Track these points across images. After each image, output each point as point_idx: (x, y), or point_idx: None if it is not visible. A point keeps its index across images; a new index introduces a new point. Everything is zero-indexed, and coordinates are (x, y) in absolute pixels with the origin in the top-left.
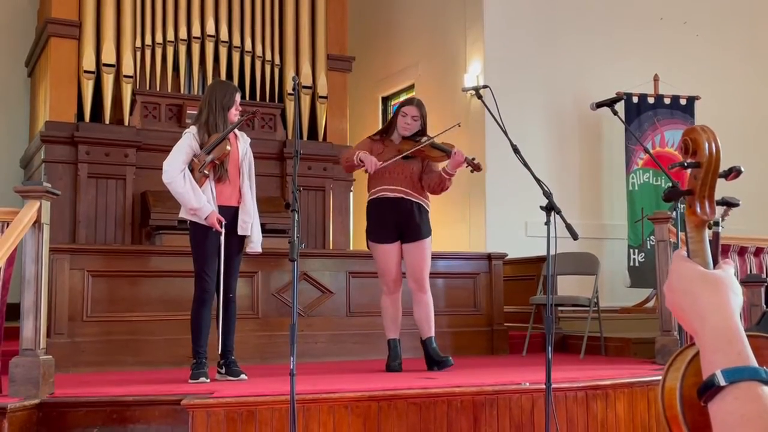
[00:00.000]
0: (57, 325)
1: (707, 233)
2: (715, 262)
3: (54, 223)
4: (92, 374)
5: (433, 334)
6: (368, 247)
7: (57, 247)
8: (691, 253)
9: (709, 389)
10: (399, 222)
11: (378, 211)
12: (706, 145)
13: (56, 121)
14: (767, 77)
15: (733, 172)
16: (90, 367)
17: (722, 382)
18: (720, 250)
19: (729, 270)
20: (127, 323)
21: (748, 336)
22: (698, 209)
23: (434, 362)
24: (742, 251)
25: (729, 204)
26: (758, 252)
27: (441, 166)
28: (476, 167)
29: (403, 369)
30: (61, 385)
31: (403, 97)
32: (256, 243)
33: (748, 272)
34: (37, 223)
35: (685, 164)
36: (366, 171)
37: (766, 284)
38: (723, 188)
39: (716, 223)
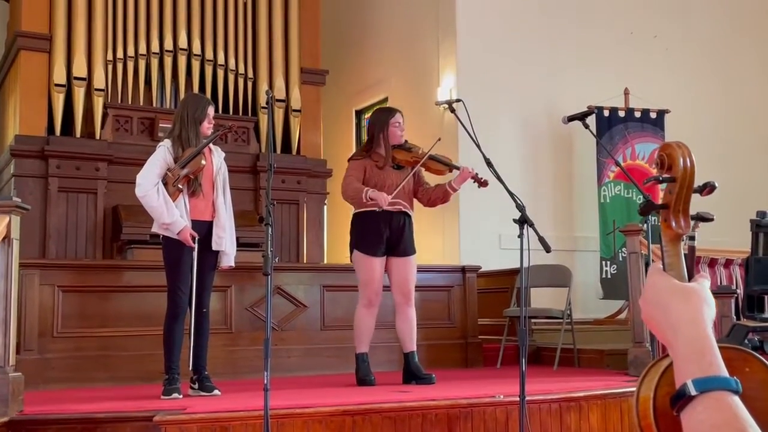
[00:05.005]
0: (27, 341)
1: (683, 247)
2: (691, 276)
3: (24, 237)
4: (63, 391)
5: (415, 348)
6: (353, 259)
7: (27, 263)
8: (667, 266)
9: (681, 399)
10: (391, 235)
11: (373, 223)
12: (681, 160)
13: (26, 135)
14: (735, 91)
15: (708, 187)
16: (60, 383)
17: (693, 392)
18: (695, 264)
19: (704, 283)
20: (99, 339)
21: (720, 347)
22: (673, 223)
23: (414, 377)
24: (712, 263)
25: (703, 219)
26: (728, 264)
27: (441, 179)
28: (483, 183)
29: (377, 383)
30: (30, 403)
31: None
32: (230, 257)
33: (719, 284)
34: (6, 239)
35: (660, 179)
36: (378, 209)
37: (736, 295)
38: (694, 202)
39: (692, 237)
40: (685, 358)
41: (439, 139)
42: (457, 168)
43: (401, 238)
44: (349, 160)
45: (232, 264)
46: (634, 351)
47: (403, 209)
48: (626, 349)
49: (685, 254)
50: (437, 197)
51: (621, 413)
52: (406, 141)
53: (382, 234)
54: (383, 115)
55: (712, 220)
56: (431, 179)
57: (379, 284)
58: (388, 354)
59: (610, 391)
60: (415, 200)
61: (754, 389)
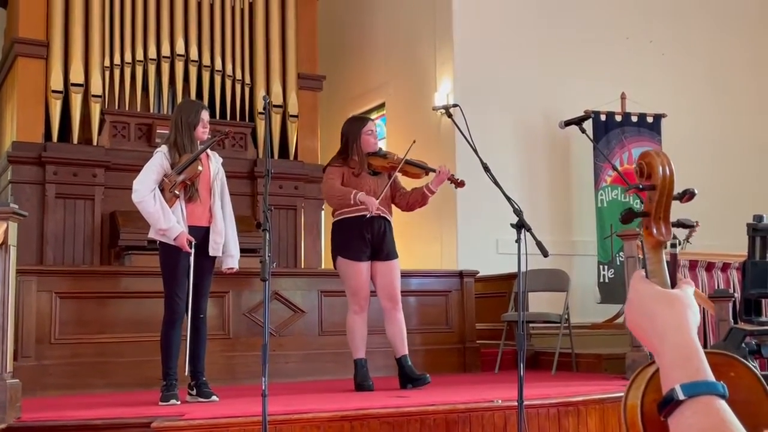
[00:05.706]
0: (24, 347)
1: (665, 254)
2: (674, 283)
3: (21, 244)
4: (60, 397)
5: (407, 351)
6: (337, 265)
7: (24, 269)
8: (650, 273)
9: (668, 404)
10: (373, 240)
11: (355, 229)
12: (660, 168)
13: (23, 142)
14: (730, 95)
15: (687, 194)
16: (58, 390)
17: (681, 396)
18: (678, 271)
19: (687, 290)
20: (96, 345)
21: (707, 353)
22: (654, 231)
23: (410, 380)
24: (709, 267)
25: (684, 225)
26: (725, 267)
27: (419, 182)
28: (460, 184)
29: (375, 388)
30: (28, 409)
31: (374, 116)
32: (234, 258)
33: (716, 287)
34: (3, 245)
35: (641, 187)
36: (367, 214)
37: (733, 299)
38: (690, 206)
39: (674, 245)
40: (672, 363)
41: (414, 141)
42: (433, 170)
43: (383, 242)
44: (326, 167)
45: (236, 266)
46: (631, 355)
47: (383, 215)
48: (624, 353)
49: (667, 261)
50: (415, 201)
51: (619, 418)
52: (380, 148)
53: (364, 238)
54: (355, 124)
55: (692, 226)
56: (408, 184)
57: (367, 289)
58: (385, 359)
59: (608, 395)
60: (393, 206)
61: (740, 394)
